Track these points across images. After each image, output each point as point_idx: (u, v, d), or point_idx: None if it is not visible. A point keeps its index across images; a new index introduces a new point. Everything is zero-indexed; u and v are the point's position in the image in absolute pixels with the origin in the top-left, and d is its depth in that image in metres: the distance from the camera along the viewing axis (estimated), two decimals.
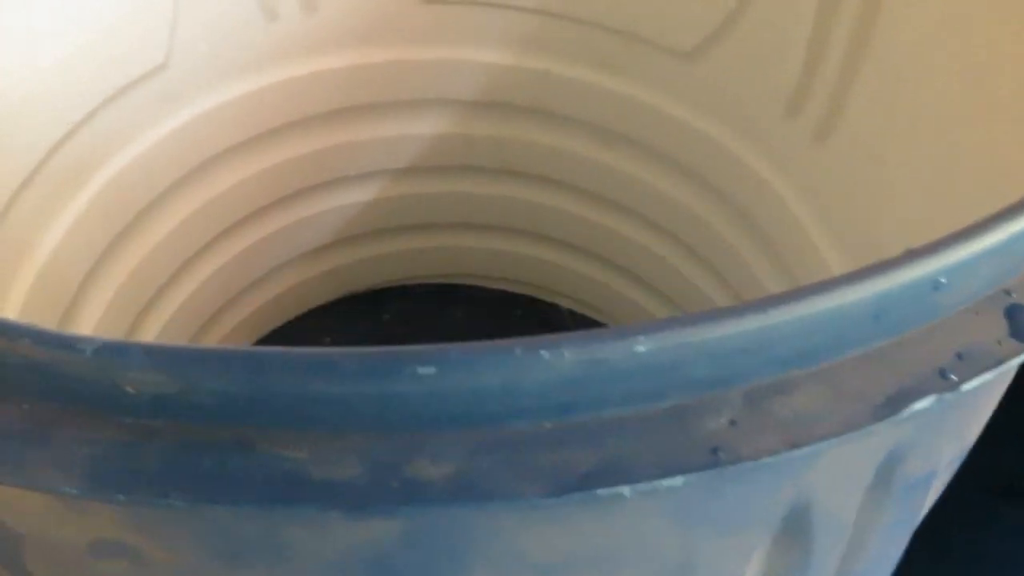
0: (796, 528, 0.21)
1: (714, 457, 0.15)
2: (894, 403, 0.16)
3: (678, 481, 0.15)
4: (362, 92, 0.72)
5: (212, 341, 0.84)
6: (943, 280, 0.18)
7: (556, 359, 0.15)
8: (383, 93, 0.73)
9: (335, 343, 0.91)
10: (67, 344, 0.15)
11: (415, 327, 0.93)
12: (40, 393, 0.15)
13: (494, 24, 0.69)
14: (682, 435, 0.15)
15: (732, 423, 0.16)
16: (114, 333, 0.69)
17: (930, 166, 0.53)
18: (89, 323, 0.66)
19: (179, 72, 0.62)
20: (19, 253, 0.59)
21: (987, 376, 0.18)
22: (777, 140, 0.62)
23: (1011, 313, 0.20)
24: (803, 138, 0.60)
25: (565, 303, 0.96)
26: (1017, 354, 0.19)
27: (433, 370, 0.15)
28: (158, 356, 0.14)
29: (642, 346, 0.15)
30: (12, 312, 0.57)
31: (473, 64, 0.72)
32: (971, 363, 0.18)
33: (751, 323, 0.15)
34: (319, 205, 0.81)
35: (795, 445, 0.15)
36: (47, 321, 0.61)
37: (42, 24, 0.53)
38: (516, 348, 0.15)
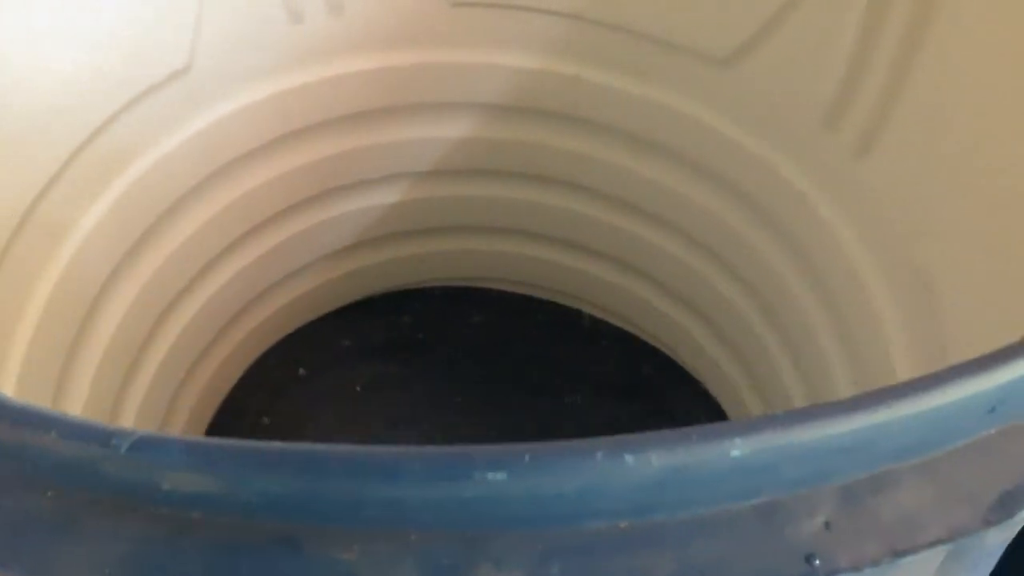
0: None
1: (809, 567, 0.14)
2: (1008, 503, 0.15)
3: None
4: (387, 95, 0.71)
5: (232, 343, 0.83)
6: None
7: (641, 465, 0.13)
8: (408, 96, 0.72)
9: (353, 346, 0.90)
10: (100, 438, 0.13)
11: (434, 330, 0.91)
12: (68, 481, 0.14)
13: (523, 28, 0.67)
14: (773, 539, 0.14)
15: (827, 525, 0.14)
16: (136, 333, 0.68)
17: (979, 185, 0.51)
18: (112, 322, 0.65)
19: (202, 74, 0.60)
20: (44, 253, 0.57)
21: None
22: (815, 153, 0.60)
23: None
24: (842, 152, 0.58)
25: (587, 309, 0.95)
26: None
27: (504, 476, 0.13)
28: (200, 454, 0.13)
29: (737, 450, 0.14)
30: (37, 311, 0.56)
31: (500, 68, 0.70)
32: None
33: (856, 423, 0.14)
34: (341, 208, 0.80)
35: (898, 553, 0.14)
36: (71, 319, 0.60)
37: (65, 26, 0.52)
38: (597, 452, 0.13)
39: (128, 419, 0.67)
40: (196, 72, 0.60)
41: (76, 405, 0.60)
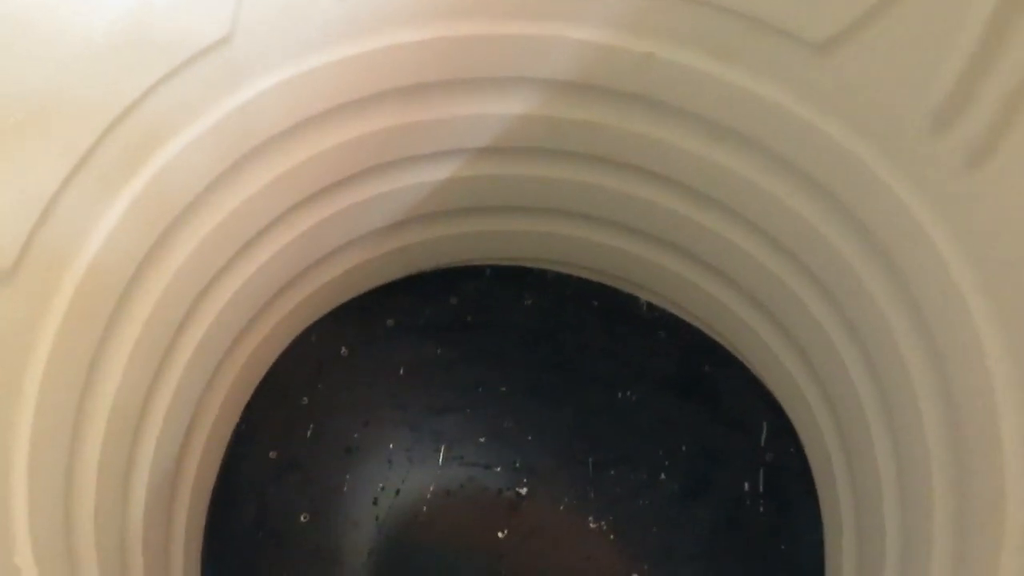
0: None
1: None
2: None
3: None
4: (441, 68, 0.65)
5: (276, 317, 0.80)
6: None
7: None
8: (464, 69, 0.66)
9: (399, 325, 0.86)
10: None
11: (482, 312, 0.87)
12: None
13: None
14: None
15: None
16: (171, 315, 0.65)
17: None
18: (147, 304, 0.61)
19: (245, 45, 0.56)
20: (77, 233, 0.54)
21: None
22: (919, 158, 0.53)
23: None
24: (952, 159, 0.51)
25: (646, 297, 0.89)
26: None
27: None
28: None
29: None
30: (68, 294, 0.53)
31: (565, 42, 0.64)
32: None
33: None
34: (391, 184, 0.75)
35: None
36: (103, 303, 0.58)
37: None
38: None
39: (163, 401, 0.65)
40: (238, 43, 0.55)
41: (109, 389, 0.57)
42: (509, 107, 0.70)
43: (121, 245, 0.56)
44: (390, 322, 0.85)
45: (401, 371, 0.82)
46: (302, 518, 0.74)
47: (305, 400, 0.80)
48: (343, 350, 0.83)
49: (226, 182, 0.64)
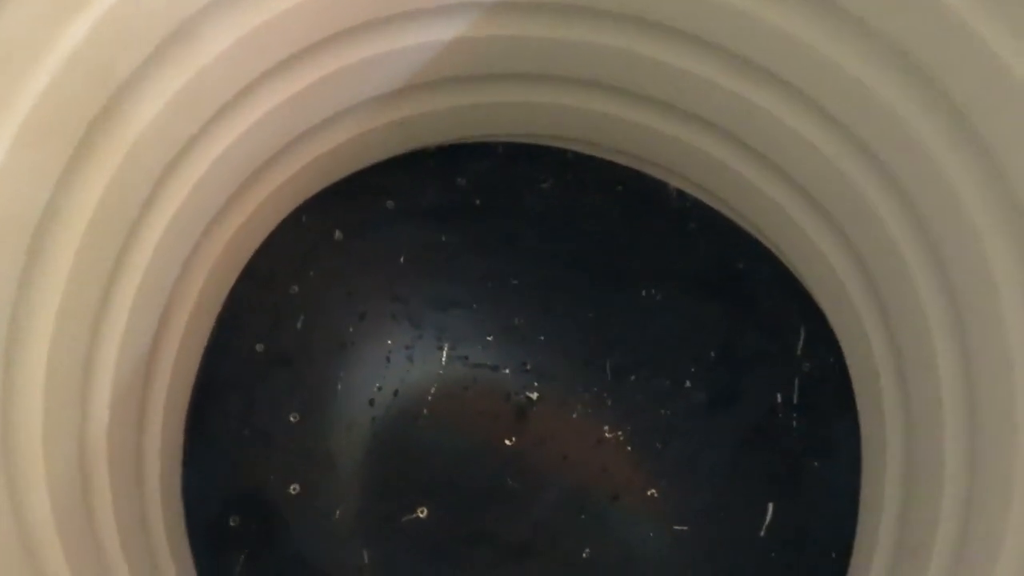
0: None
1: None
2: None
3: None
4: None
5: (263, 192, 0.72)
6: None
7: None
8: None
9: (399, 207, 0.77)
10: None
11: (493, 195, 0.78)
12: None
13: None
14: None
15: None
16: (135, 188, 0.56)
17: None
18: (104, 171, 0.53)
19: None
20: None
21: None
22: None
23: None
24: None
25: (676, 183, 0.80)
26: None
27: None
28: None
29: None
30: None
31: None
32: None
33: None
34: (390, 43, 0.65)
35: None
36: (49, 164, 0.49)
37: None
38: None
39: (127, 288, 0.57)
40: None
41: (56, 278, 0.49)
42: None
43: (67, 99, 0.47)
44: (389, 204, 0.76)
45: (401, 259, 0.74)
46: (291, 418, 0.68)
47: (295, 289, 0.73)
48: (337, 234, 0.75)
49: (194, 32, 0.54)
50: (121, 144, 0.53)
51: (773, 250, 0.76)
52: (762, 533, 0.65)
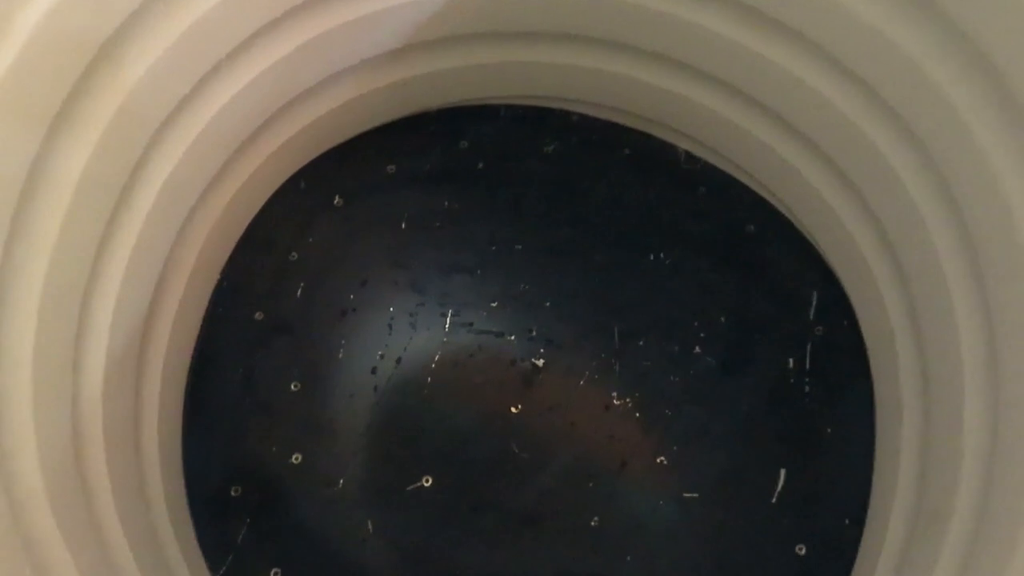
0: None
1: None
2: None
3: None
4: None
5: (260, 157, 0.70)
6: None
7: None
8: None
9: (401, 172, 0.75)
10: None
11: (497, 159, 0.76)
12: None
13: None
14: None
15: None
16: (126, 151, 0.54)
17: None
18: (93, 130, 0.51)
19: None
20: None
21: None
22: None
23: None
24: None
25: (683, 143, 0.78)
26: None
27: None
28: None
29: None
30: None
31: None
32: None
33: None
34: None
35: None
36: (32, 121, 0.47)
37: None
38: None
39: (121, 254, 0.55)
40: None
41: (44, 242, 0.48)
42: None
43: (46, 59, 0.45)
44: (390, 168, 0.74)
45: (403, 224, 0.72)
46: (293, 387, 0.67)
47: (294, 256, 0.71)
48: (337, 199, 0.73)
49: None
50: (108, 106, 0.51)
51: (785, 213, 0.74)
52: (774, 500, 0.64)
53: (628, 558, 0.63)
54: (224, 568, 0.62)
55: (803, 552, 0.63)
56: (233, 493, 0.64)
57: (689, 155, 0.77)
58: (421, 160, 0.75)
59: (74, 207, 0.49)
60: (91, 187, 0.50)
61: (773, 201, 0.74)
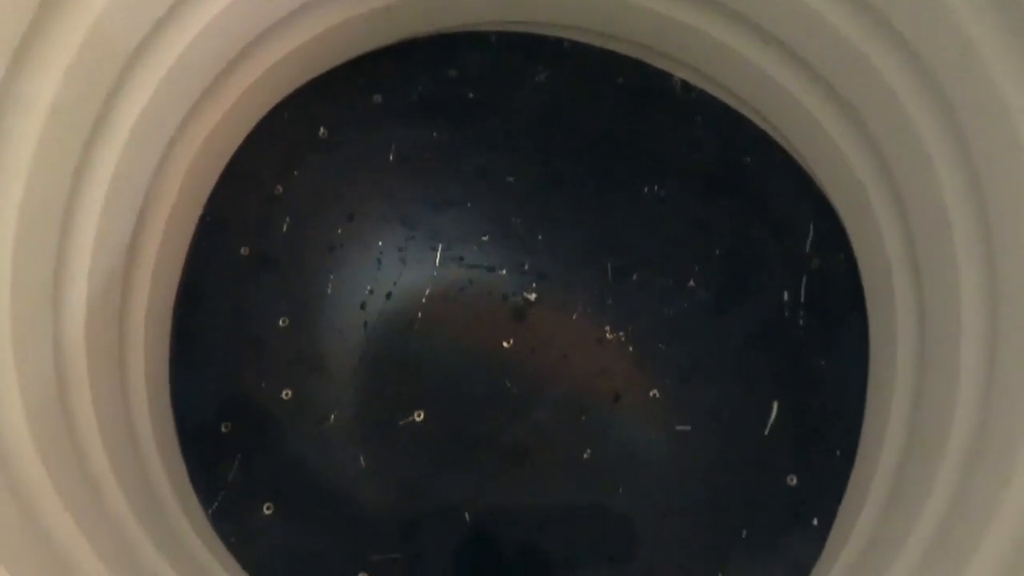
0: None
1: None
2: None
3: None
4: None
5: (239, 88, 0.67)
6: None
7: None
8: None
9: (388, 102, 0.73)
10: None
11: (487, 88, 0.73)
12: None
13: None
14: None
15: None
16: (102, 66, 0.52)
17: None
18: (63, 54, 0.49)
19: None
20: None
21: None
22: None
23: None
24: None
25: (679, 72, 0.75)
26: None
27: None
28: None
29: None
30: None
31: None
32: None
33: None
34: None
35: None
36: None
37: None
38: None
39: (99, 184, 0.53)
40: None
41: (17, 169, 0.46)
42: None
43: None
44: (377, 98, 0.72)
45: (391, 157, 0.70)
46: (281, 323, 0.66)
47: (279, 189, 0.69)
48: (321, 131, 0.71)
49: None
50: (76, 30, 0.49)
51: (783, 144, 0.72)
52: (766, 432, 0.64)
53: (620, 490, 0.63)
54: (216, 504, 0.62)
55: (794, 483, 0.63)
56: (223, 430, 0.63)
57: (685, 84, 0.75)
58: (408, 90, 0.72)
59: (45, 137, 0.47)
60: (63, 116, 0.48)
61: (771, 132, 0.73)
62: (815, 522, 0.63)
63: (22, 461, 0.42)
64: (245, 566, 0.61)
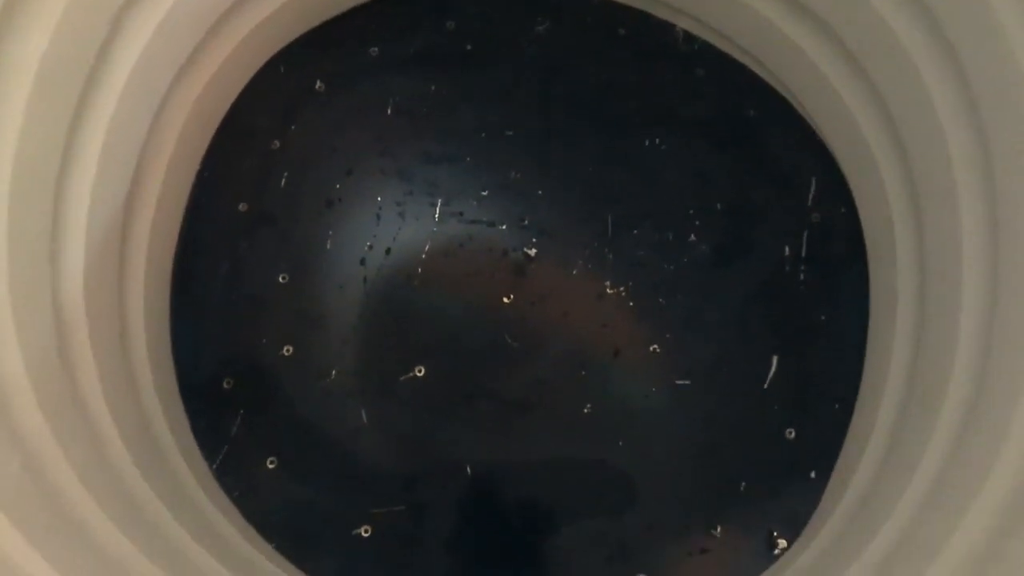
0: None
1: None
2: None
3: None
4: None
5: (231, 41, 0.66)
6: None
7: None
8: None
9: (385, 54, 0.71)
10: None
11: (486, 40, 0.72)
12: None
13: None
14: None
15: None
16: (94, 18, 0.51)
17: None
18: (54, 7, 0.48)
19: None
20: None
21: None
22: None
23: None
24: None
25: (682, 22, 0.74)
26: None
27: None
28: None
29: None
30: None
31: None
32: None
33: None
34: None
35: None
36: None
37: None
38: None
39: (94, 137, 0.52)
40: None
41: (10, 124, 0.45)
42: None
43: None
44: (374, 51, 0.71)
45: (388, 110, 0.69)
46: (280, 279, 0.66)
47: (276, 144, 0.68)
48: (318, 84, 0.70)
49: None
50: None
51: (786, 95, 0.71)
52: (766, 386, 0.64)
53: (620, 443, 0.63)
54: (219, 459, 0.62)
55: (792, 436, 0.64)
56: (226, 386, 0.64)
57: (687, 35, 0.73)
58: (406, 42, 0.71)
59: (37, 90, 0.46)
60: (55, 69, 0.47)
61: (774, 83, 0.72)
62: (813, 475, 0.63)
63: (23, 414, 0.42)
64: (249, 520, 0.61)
